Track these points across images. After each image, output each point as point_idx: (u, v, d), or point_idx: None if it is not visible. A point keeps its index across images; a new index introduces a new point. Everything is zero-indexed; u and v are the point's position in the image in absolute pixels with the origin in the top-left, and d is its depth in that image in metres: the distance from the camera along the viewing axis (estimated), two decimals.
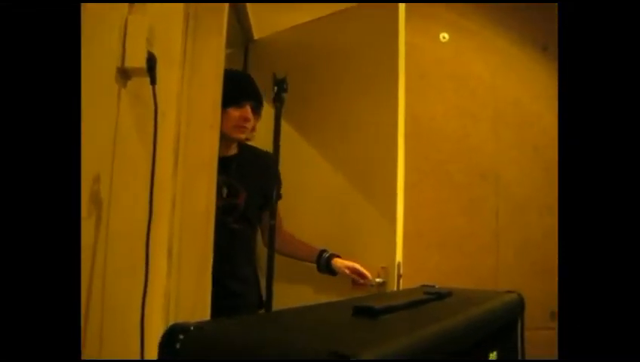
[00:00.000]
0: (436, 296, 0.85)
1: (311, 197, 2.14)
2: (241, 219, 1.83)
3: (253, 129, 1.86)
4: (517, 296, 1.05)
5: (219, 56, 1.40)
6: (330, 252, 1.93)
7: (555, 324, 2.57)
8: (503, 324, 0.94)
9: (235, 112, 1.77)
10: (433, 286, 0.97)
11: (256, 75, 2.38)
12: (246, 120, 1.79)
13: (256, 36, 2.49)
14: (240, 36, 2.43)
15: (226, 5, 1.42)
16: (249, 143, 1.94)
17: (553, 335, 2.59)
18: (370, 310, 0.65)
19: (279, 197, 1.90)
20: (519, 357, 0.97)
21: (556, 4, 1.01)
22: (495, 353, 0.90)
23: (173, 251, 1.23)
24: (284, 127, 1.57)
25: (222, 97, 1.51)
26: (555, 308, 2.54)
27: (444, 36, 2.94)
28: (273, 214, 1.52)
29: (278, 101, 1.42)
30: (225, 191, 1.78)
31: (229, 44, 1.76)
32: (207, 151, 1.36)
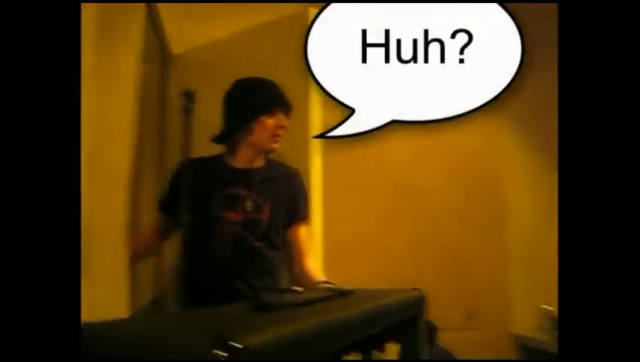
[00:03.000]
0: (338, 294, 0.91)
1: None
2: (263, 237, 1.65)
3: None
4: (418, 293, 1.11)
5: (132, 66, 1.40)
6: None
7: (471, 325, 2.69)
8: (404, 318, 1.00)
9: (269, 121, 1.64)
10: (335, 286, 1.03)
11: (175, 91, 2.36)
12: (281, 127, 1.66)
13: (174, 52, 2.49)
14: (158, 51, 2.41)
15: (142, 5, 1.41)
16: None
17: (470, 335, 2.71)
18: (268, 305, 0.70)
19: (306, 218, 1.76)
20: (419, 349, 1.02)
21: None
22: (398, 344, 0.96)
23: (85, 267, 1.21)
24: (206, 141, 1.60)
25: (251, 107, 1.45)
26: (471, 309, 2.68)
27: None
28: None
29: (186, 113, 1.43)
30: (249, 205, 1.64)
31: (146, 59, 1.74)
32: (120, 167, 1.35)
